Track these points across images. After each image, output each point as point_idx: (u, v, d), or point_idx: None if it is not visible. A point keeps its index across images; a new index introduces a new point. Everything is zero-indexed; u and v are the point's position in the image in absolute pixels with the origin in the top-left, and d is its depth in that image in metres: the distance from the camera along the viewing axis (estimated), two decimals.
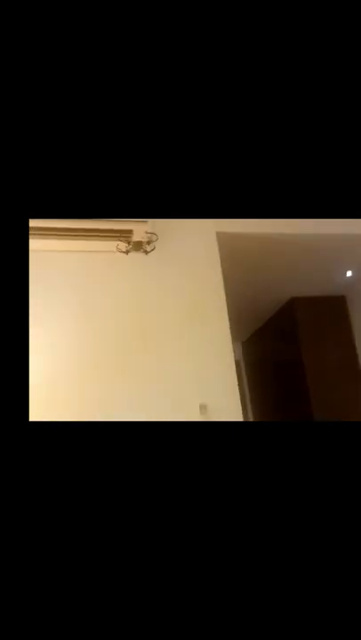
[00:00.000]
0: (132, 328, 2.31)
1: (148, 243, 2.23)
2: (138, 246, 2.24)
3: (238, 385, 2.40)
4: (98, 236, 2.16)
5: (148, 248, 2.25)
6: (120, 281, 2.36)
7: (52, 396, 2.10)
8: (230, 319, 2.49)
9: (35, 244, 2.05)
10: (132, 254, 2.34)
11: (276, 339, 4.50)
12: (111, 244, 2.25)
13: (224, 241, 2.62)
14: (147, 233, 2.20)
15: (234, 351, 2.49)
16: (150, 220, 2.22)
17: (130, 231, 2.18)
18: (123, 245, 2.17)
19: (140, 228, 2.18)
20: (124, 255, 2.33)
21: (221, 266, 2.54)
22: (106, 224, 2.11)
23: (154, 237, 2.23)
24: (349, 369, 3.95)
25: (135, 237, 2.24)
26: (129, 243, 2.18)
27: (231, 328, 2.48)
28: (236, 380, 2.40)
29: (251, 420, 5.35)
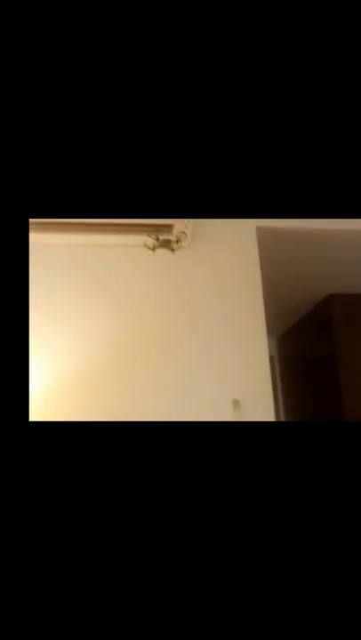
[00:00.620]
0: (165, 322, 2.32)
1: (177, 241, 2.21)
2: (166, 244, 2.20)
3: (272, 380, 2.39)
4: (133, 230, 2.16)
5: (176, 247, 2.22)
6: (153, 276, 2.37)
7: (75, 391, 2.13)
8: (266, 314, 2.48)
9: (58, 238, 2.05)
10: (165, 250, 2.36)
11: (311, 335, 4.45)
12: (146, 240, 2.24)
13: (263, 236, 2.60)
14: (180, 232, 2.18)
15: (268, 346, 2.48)
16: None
17: (170, 225, 2.18)
18: (150, 242, 2.15)
19: (180, 223, 2.17)
20: (158, 250, 2.34)
21: (259, 260, 2.53)
22: (147, 219, 2.11)
23: (183, 236, 2.21)
24: None
25: (175, 232, 2.23)
26: (157, 239, 2.16)
27: (266, 323, 2.47)
28: (269, 376, 2.39)
29: (282, 416, 5.32)
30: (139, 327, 2.29)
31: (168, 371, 2.26)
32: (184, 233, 2.20)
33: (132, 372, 2.22)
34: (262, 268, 2.52)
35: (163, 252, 2.34)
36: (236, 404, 2.27)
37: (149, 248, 2.16)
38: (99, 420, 2.07)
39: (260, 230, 2.57)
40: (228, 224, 2.53)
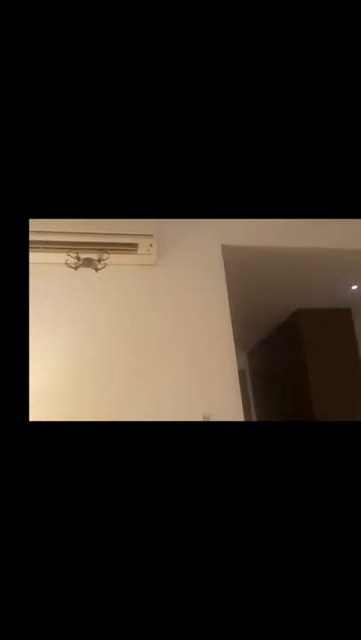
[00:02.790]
0: (134, 340, 2.34)
1: (99, 260, 2.19)
2: (88, 263, 2.18)
3: (243, 394, 2.41)
4: (103, 249, 2.17)
5: (99, 265, 2.21)
6: (124, 292, 2.39)
7: (49, 411, 2.10)
8: (236, 329, 2.51)
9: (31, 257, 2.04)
10: (138, 267, 2.38)
11: (281, 349, 4.52)
12: (117, 258, 2.26)
13: (229, 253, 2.66)
14: (97, 251, 2.14)
15: (239, 360, 2.50)
16: (155, 235, 2.24)
17: (135, 245, 2.21)
18: (72, 261, 2.13)
19: (145, 241, 2.20)
20: (127, 267, 2.35)
21: (226, 276, 2.58)
22: (111, 238, 2.13)
23: (105, 256, 2.20)
24: (354, 381, 3.96)
25: (140, 251, 2.26)
26: (78, 259, 2.15)
27: (237, 337, 2.50)
28: (239, 390, 2.42)
29: None
30: (106, 345, 2.30)
31: (136, 388, 2.27)
32: (106, 252, 2.18)
33: (99, 389, 2.22)
34: (231, 285, 2.57)
35: (121, 271, 2.35)
36: (206, 419, 2.29)
37: (72, 267, 2.16)
38: None
39: (225, 248, 2.63)
40: (194, 242, 2.58)
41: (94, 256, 2.16)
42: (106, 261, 2.19)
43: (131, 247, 2.23)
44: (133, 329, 2.35)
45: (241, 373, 4.37)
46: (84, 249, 2.12)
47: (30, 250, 2.02)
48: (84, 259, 2.16)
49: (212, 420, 2.28)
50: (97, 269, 2.19)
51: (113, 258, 2.25)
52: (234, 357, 2.45)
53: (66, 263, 2.14)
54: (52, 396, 2.12)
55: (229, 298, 2.54)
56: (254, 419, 5.39)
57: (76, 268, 2.16)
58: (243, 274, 3.08)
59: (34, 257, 2.13)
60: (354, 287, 3.71)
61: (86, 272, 2.27)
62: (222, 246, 2.62)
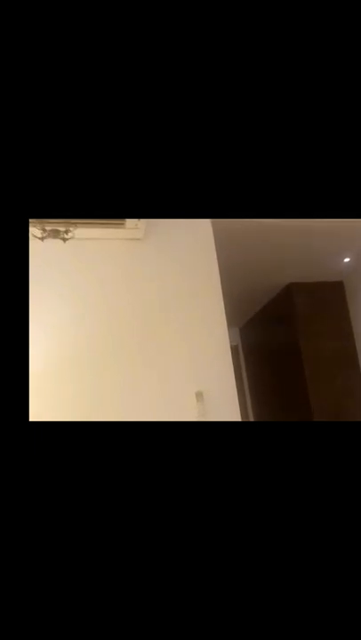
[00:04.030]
0: (125, 315, 2.29)
1: (66, 232, 2.14)
2: (55, 234, 2.11)
3: (237, 371, 2.40)
4: (91, 223, 2.12)
5: (67, 236, 2.16)
6: (112, 267, 2.34)
7: (44, 383, 2.09)
8: (227, 304, 2.48)
9: None
10: (126, 242, 2.32)
11: (273, 324, 4.50)
12: (104, 232, 2.21)
13: (219, 227, 2.59)
14: (68, 223, 2.09)
15: (231, 336, 2.48)
16: None
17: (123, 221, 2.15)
18: (38, 232, 2.08)
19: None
20: (117, 242, 2.30)
21: (217, 251, 2.52)
22: None
23: (72, 227, 2.13)
24: (346, 355, 3.96)
25: (128, 225, 2.20)
26: (44, 230, 2.09)
27: (228, 313, 2.46)
28: (231, 365, 2.39)
29: (248, 405, 5.38)
30: (94, 323, 2.25)
31: (127, 366, 2.23)
32: (73, 224, 2.11)
33: (87, 369, 2.18)
34: (221, 259, 2.52)
35: (107, 246, 2.30)
36: (199, 396, 2.26)
37: (38, 237, 2.10)
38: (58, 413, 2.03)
39: (215, 223, 2.56)
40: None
41: (61, 227, 2.09)
42: (74, 232, 2.11)
43: (118, 221, 2.17)
44: (122, 305, 2.30)
45: (233, 349, 4.35)
46: (51, 222, 2.05)
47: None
48: (50, 230, 2.09)
49: (205, 396, 2.26)
50: (65, 240, 2.12)
51: (99, 232, 2.19)
52: (226, 333, 2.41)
53: (31, 234, 2.07)
54: (41, 376, 2.07)
55: (220, 273, 2.49)
56: (247, 395, 5.41)
57: (42, 239, 2.09)
58: (233, 248, 3.02)
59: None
60: (346, 260, 3.67)
61: (72, 247, 2.21)
62: (212, 220, 2.55)
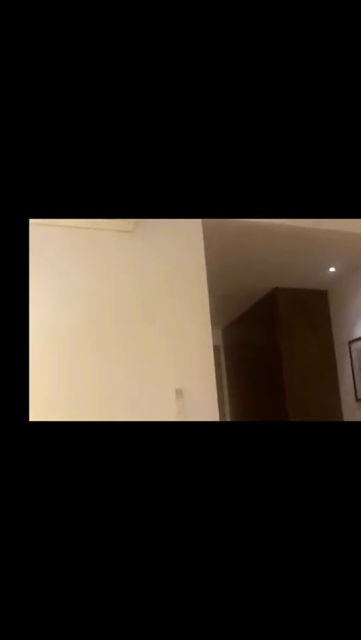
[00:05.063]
0: (109, 309, 2.29)
1: None
2: None
3: (217, 370, 2.41)
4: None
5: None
6: (100, 261, 2.33)
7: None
8: (211, 305, 2.48)
9: None
10: (115, 233, 2.31)
11: (255, 327, 4.54)
12: (93, 221, 2.20)
13: (209, 227, 2.61)
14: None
15: (214, 337, 2.49)
16: None
17: None
18: None
19: None
20: (106, 233, 2.29)
21: (205, 251, 2.53)
22: None
23: None
24: (325, 362, 4.02)
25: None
26: None
27: (212, 314, 2.47)
28: (213, 365, 2.41)
29: (226, 405, 5.41)
30: (78, 314, 2.24)
31: (108, 358, 2.23)
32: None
33: (68, 360, 2.17)
34: (209, 260, 2.53)
35: (97, 235, 2.29)
36: (179, 393, 2.27)
37: None
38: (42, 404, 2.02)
39: (205, 223, 2.57)
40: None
41: None
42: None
43: None
44: (108, 297, 2.29)
45: (215, 349, 4.37)
46: None
47: None
48: None
49: (184, 393, 2.27)
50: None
51: (88, 221, 2.18)
52: (209, 331, 2.42)
53: None
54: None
55: (207, 271, 2.50)
56: (226, 395, 5.44)
57: None
58: (222, 248, 3.04)
59: None
60: (331, 269, 3.72)
61: (60, 234, 2.20)
62: (203, 220, 2.56)
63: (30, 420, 1.90)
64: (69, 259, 2.27)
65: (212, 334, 2.46)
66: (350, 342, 3.80)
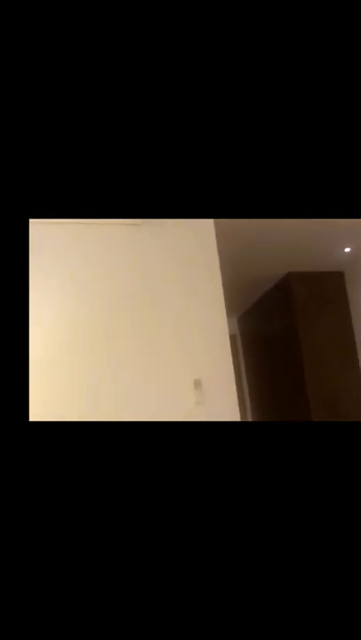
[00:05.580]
0: (125, 302, 2.27)
1: None
2: None
3: (234, 359, 2.39)
4: None
5: None
6: (110, 252, 2.31)
7: (41, 370, 2.08)
8: (226, 293, 2.46)
9: None
10: (125, 226, 2.30)
11: (272, 313, 4.49)
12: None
13: None
14: None
15: (230, 325, 2.47)
16: None
17: None
18: None
19: None
20: (118, 227, 2.27)
21: (217, 239, 2.50)
22: None
23: None
24: (345, 345, 3.96)
25: None
26: None
27: (227, 302, 2.45)
28: (230, 355, 2.38)
29: (246, 393, 5.39)
30: (92, 308, 2.23)
31: (125, 352, 2.22)
32: None
33: (85, 354, 2.17)
34: (221, 247, 2.49)
35: (107, 229, 2.27)
36: (197, 383, 2.26)
37: None
38: (58, 400, 2.02)
39: None
40: None
41: None
42: None
43: None
44: (120, 291, 2.28)
45: (232, 338, 4.34)
46: None
47: None
48: None
49: (203, 384, 2.25)
50: None
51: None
52: (225, 320, 2.40)
53: None
54: (37, 363, 2.06)
55: (219, 261, 2.47)
56: (245, 383, 5.42)
57: None
58: (234, 235, 3.00)
59: None
60: (347, 250, 3.65)
61: (69, 229, 2.19)
62: None
63: (53, 417, 1.91)
64: (79, 254, 2.26)
65: (228, 323, 2.43)
66: None
